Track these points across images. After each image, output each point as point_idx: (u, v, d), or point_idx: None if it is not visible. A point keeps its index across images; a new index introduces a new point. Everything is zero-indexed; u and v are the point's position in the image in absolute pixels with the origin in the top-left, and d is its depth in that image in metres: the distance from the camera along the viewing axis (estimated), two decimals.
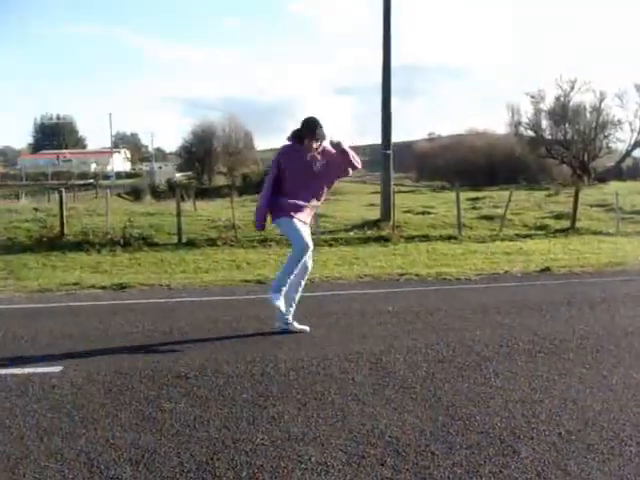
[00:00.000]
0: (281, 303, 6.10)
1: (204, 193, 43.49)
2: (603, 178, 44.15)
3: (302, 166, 6.13)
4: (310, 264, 6.41)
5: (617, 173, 53.70)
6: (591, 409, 4.18)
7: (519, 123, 60.48)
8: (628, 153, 59.17)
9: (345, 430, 3.87)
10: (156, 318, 7.05)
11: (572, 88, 57.01)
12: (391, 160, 18.35)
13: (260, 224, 6.35)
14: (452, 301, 7.97)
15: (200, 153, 69.35)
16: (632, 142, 57.78)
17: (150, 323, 6.77)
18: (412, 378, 4.82)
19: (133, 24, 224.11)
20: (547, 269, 10.67)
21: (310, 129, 6.10)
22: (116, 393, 4.56)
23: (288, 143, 6.24)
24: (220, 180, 66.98)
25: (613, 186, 33.91)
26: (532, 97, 58.89)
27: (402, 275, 10.45)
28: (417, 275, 10.45)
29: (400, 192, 30.24)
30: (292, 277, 6.14)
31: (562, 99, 57.57)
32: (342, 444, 3.67)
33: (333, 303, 7.98)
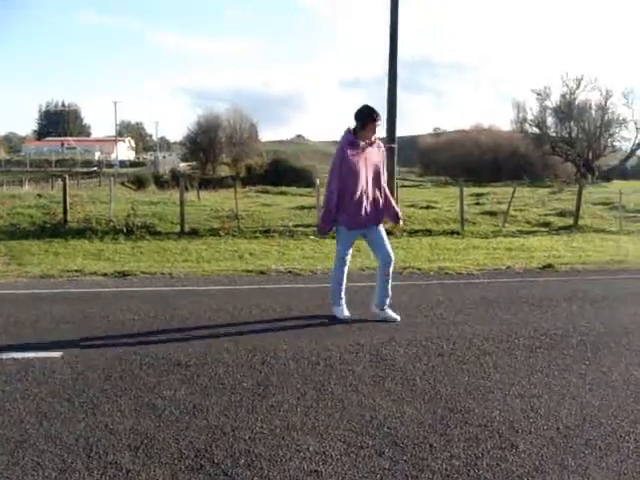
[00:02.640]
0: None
1: (208, 183, 43.51)
2: (607, 177, 44.12)
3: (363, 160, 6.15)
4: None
5: (621, 172, 53.61)
6: (590, 405, 4.18)
7: (524, 120, 60.50)
8: (633, 152, 59.08)
9: (344, 420, 3.88)
10: (157, 306, 7.06)
11: (578, 86, 57.05)
12: (395, 154, 18.31)
13: (326, 229, 6.38)
14: (453, 295, 7.96)
15: (205, 143, 69.32)
16: (637, 141, 57.79)
17: (151, 311, 6.78)
18: (412, 371, 4.83)
19: (143, 14, 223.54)
20: (549, 266, 10.66)
21: (371, 116, 6.05)
22: (116, 379, 4.57)
23: (347, 139, 6.11)
24: (224, 171, 66.99)
25: (617, 185, 33.87)
26: (538, 94, 58.97)
27: (404, 269, 10.43)
28: (419, 269, 10.44)
29: (404, 186, 30.24)
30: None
31: (568, 97, 57.57)
32: (340, 434, 3.68)
33: None
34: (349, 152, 6.03)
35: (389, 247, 6.35)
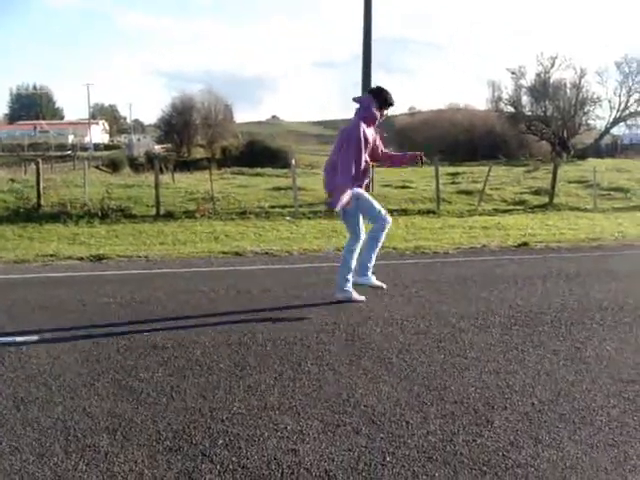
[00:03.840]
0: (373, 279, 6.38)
1: (183, 165, 43.26)
2: (582, 155, 44.42)
3: (371, 138, 6.26)
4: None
5: (596, 150, 54.01)
6: (564, 380, 4.24)
7: (499, 99, 60.66)
8: (607, 130, 59.55)
9: (321, 399, 3.90)
10: (133, 289, 7.04)
11: (553, 65, 57.22)
12: None
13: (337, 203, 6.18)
14: (430, 274, 8.02)
15: (179, 125, 68.84)
16: (611, 120, 58.27)
17: (128, 294, 6.75)
18: (388, 349, 4.86)
19: None
20: (525, 244, 10.76)
21: (390, 103, 6.22)
22: (93, 363, 4.55)
23: (371, 114, 6.16)
24: (199, 153, 66.63)
25: (592, 163, 34.10)
26: (513, 73, 59.07)
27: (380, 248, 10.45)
28: (395, 248, 10.47)
29: (379, 166, 30.19)
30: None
31: (542, 76, 57.73)
32: (318, 413, 3.70)
33: (311, 275, 8.00)
34: (363, 126, 6.10)
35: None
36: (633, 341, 5.11)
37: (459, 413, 3.71)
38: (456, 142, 56.63)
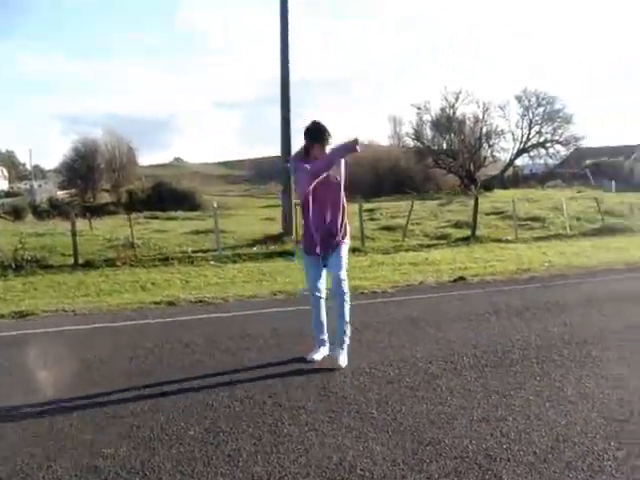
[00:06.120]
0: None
1: (89, 211, 42.00)
2: (488, 186, 45.73)
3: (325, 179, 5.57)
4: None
5: (500, 181, 55.83)
6: (557, 424, 4.07)
7: (404, 134, 62.08)
8: (511, 162, 61.87)
9: (311, 465, 3.58)
10: (69, 350, 6.48)
11: (457, 99, 59.05)
12: (292, 172, 18.16)
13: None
14: (377, 316, 7.79)
15: (83, 170, 66.97)
16: (515, 151, 60.62)
17: (64, 356, 6.20)
18: (366, 403, 4.58)
19: (13, 36, 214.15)
20: (461, 278, 10.72)
21: (322, 134, 5.54)
22: (45, 440, 4.06)
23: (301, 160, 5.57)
24: (104, 197, 65.00)
25: (499, 194, 35.09)
26: (418, 108, 60.56)
27: None
28: (330, 289, 10.20)
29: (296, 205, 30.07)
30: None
31: (447, 110, 59.48)
32: None
33: (254, 324, 7.63)
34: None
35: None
36: (609, 376, 5.02)
37: (463, 469, 3.47)
38: (362, 178, 57.30)
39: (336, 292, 5.65)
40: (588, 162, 55.80)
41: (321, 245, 5.69)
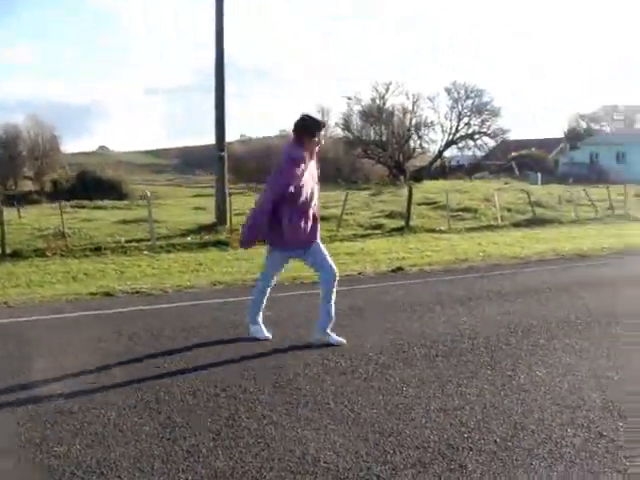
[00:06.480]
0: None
1: (11, 199, 40.58)
2: (417, 177, 46.34)
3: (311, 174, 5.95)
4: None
5: (428, 172, 56.67)
6: (513, 412, 4.13)
7: (333, 125, 62.28)
8: (440, 153, 62.87)
9: (274, 459, 3.52)
10: (6, 344, 6.20)
11: (387, 90, 59.57)
12: (225, 162, 17.96)
13: (248, 242, 5.92)
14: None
15: (4, 157, 64.71)
16: (444, 143, 61.63)
17: (2, 350, 5.94)
18: (321, 394, 4.54)
19: None
20: (400, 268, 10.78)
21: (316, 125, 5.86)
22: None
23: (298, 151, 5.77)
24: (27, 186, 62.98)
25: (428, 185, 35.51)
26: (349, 99, 60.85)
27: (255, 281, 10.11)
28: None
29: (233, 193, 29.79)
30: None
31: (378, 101, 59.96)
32: (276, 476, 3.32)
33: (196, 315, 7.48)
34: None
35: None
36: (557, 363, 5.13)
37: (427, 460, 3.47)
38: None
39: (332, 277, 6.04)
40: (514, 154, 57.13)
41: (309, 236, 5.92)
